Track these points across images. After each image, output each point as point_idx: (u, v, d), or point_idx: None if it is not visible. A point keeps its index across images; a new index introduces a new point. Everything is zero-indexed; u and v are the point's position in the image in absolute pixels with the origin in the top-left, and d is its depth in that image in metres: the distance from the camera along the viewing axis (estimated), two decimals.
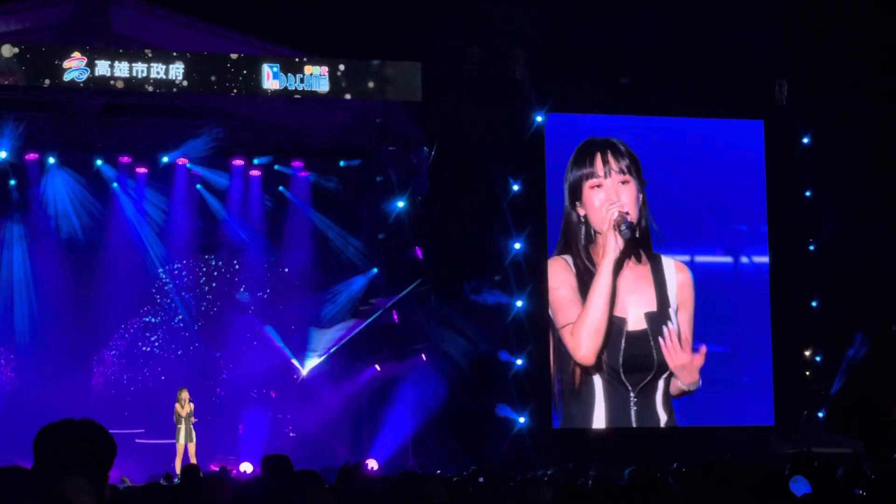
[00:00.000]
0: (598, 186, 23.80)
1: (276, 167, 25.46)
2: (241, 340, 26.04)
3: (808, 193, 25.58)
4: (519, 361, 23.46)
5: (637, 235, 23.93)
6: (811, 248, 25.59)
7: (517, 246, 23.59)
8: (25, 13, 22.75)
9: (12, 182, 24.53)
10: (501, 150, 23.30)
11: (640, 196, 24.13)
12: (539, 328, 23.51)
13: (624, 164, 24.06)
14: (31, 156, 24.09)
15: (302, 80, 21.92)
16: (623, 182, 23.87)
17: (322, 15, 22.91)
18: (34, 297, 24.74)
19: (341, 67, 22.14)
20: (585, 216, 23.68)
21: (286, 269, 26.62)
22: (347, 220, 26.01)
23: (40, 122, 23.78)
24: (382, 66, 22.37)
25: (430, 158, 23.89)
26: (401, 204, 24.51)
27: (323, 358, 25.54)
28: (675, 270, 24.70)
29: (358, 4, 22.81)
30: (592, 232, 23.63)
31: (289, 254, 26.33)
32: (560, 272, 24.08)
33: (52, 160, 24.18)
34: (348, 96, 22.40)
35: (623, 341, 23.96)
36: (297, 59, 22.15)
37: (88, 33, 22.36)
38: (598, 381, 23.53)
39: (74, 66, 20.88)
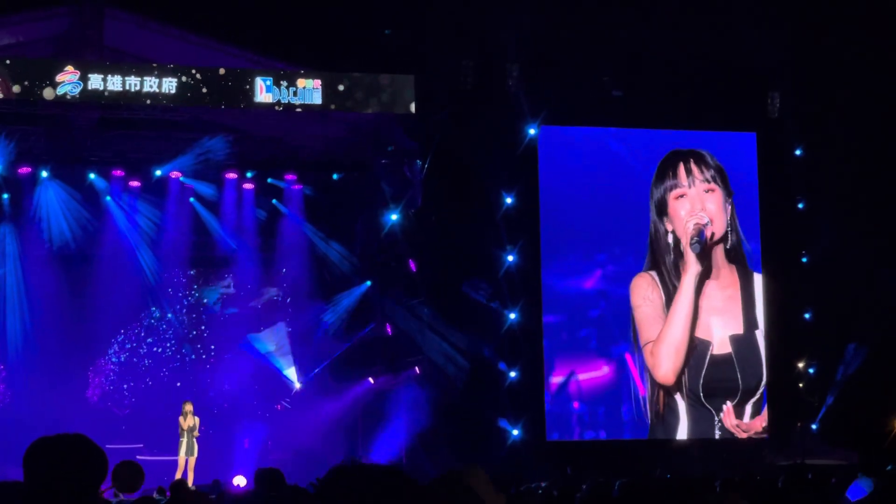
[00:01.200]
0: (683, 196, 23.79)
1: (269, 180, 25.46)
2: (235, 353, 26.02)
3: (800, 205, 25.62)
4: (513, 373, 23.45)
5: (728, 247, 23.91)
6: (804, 259, 25.63)
7: (510, 258, 23.60)
8: (19, 27, 22.77)
9: (5, 196, 24.53)
10: (495, 163, 23.32)
11: (729, 208, 24.09)
12: (532, 340, 23.50)
13: (709, 173, 24.03)
14: (24, 169, 24.07)
15: (295, 94, 21.92)
16: (708, 191, 23.84)
17: (315, 28, 22.92)
18: (27, 311, 24.71)
19: (335, 80, 22.15)
20: (673, 231, 23.68)
21: (279, 282, 26.62)
22: (341, 232, 26.01)
23: (33, 135, 23.78)
24: (376, 78, 22.38)
25: (423, 171, 23.90)
26: (394, 217, 24.51)
27: (316, 371, 25.55)
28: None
29: (351, 18, 22.83)
30: (682, 247, 23.59)
31: (282, 267, 26.33)
32: (644, 288, 23.82)
33: (45, 174, 24.16)
34: (342, 109, 22.41)
35: (706, 365, 23.68)
36: (290, 73, 22.17)
37: (82, 47, 22.37)
38: (681, 403, 23.50)
39: (67, 80, 20.89)
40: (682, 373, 23.59)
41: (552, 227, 23.72)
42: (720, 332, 24.00)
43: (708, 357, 23.74)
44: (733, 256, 24.20)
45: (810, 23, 23.64)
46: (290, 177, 25.44)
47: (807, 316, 25.49)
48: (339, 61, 22.60)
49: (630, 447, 23.26)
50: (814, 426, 25.17)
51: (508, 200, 23.65)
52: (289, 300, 26.49)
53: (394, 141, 24.35)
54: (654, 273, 23.85)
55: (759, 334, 24.30)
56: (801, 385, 25.55)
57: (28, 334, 24.68)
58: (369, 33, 23.08)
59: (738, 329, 24.14)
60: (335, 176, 25.51)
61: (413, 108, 22.46)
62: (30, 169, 24.11)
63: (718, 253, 24.10)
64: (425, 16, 22.77)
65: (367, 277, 25.66)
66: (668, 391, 23.44)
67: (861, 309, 24.72)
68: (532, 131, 23.76)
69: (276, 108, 21.89)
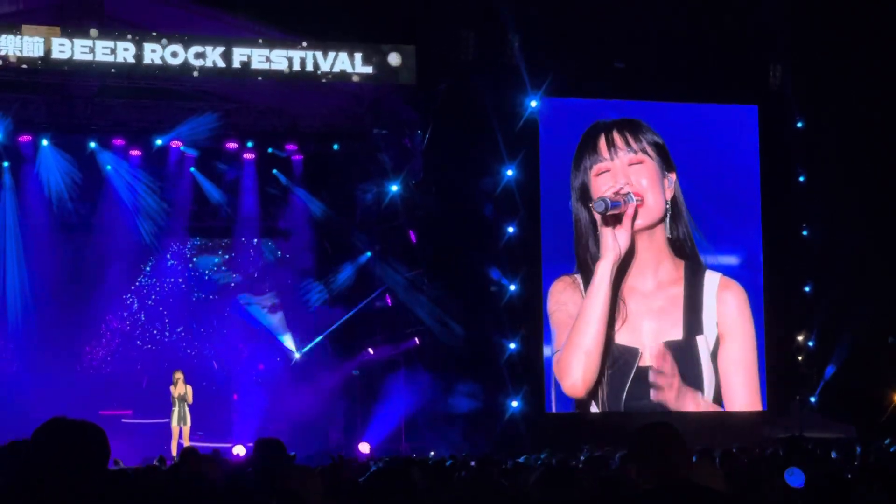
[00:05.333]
0: (605, 172, 21.60)
1: (269, 150, 25.43)
2: (235, 323, 26.04)
3: (801, 178, 25.60)
4: (512, 345, 23.46)
5: (671, 236, 21.49)
6: (804, 232, 25.61)
7: (511, 230, 23.58)
8: None
9: (5, 164, 24.51)
10: (496, 134, 23.28)
11: (671, 186, 21.87)
12: (532, 312, 23.48)
13: (637, 145, 21.81)
14: (25, 138, 24.05)
15: (297, 63, 21.94)
16: (634, 164, 21.58)
17: None
18: (27, 279, 24.72)
19: (335, 50, 22.10)
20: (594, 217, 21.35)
21: (279, 253, 26.63)
22: (341, 203, 25.98)
23: (34, 103, 23.76)
24: (377, 49, 22.33)
25: (424, 142, 23.87)
26: (395, 188, 24.50)
27: (315, 341, 25.57)
28: (719, 288, 21.75)
29: None
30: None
31: (282, 237, 26.34)
32: (559, 293, 21.53)
33: (45, 142, 24.14)
34: (342, 80, 22.38)
35: (630, 378, 21.06)
36: (290, 42, 22.12)
37: (82, 15, 22.31)
38: None
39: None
40: (597, 386, 20.90)
41: (553, 198, 23.60)
42: (653, 338, 21.10)
43: (634, 369, 20.98)
44: (679, 248, 22.00)
45: None
46: (290, 147, 25.40)
47: (807, 289, 25.49)
48: (340, 32, 22.54)
49: (629, 419, 23.26)
50: (812, 399, 25.21)
51: (509, 172, 23.60)
52: (289, 269, 26.47)
53: (395, 111, 24.31)
54: (577, 276, 21.38)
55: (703, 341, 21.57)
56: (799, 358, 25.58)
57: (28, 302, 24.69)
58: (371, 4, 23.01)
59: (677, 335, 21.23)
60: (335, 146, 25.46)
61: (414, 78, 22.44)
62: (30, 137, 24.09)
63: (657, 242, 21.74)
64: None
65: (367, 248, 25.64)
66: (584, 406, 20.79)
67: (861, 282, 24.71)
68: (533, 103, 23.69)
69: (277, 77, 21.89)
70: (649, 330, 21.26)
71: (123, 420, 23.73)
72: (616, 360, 21.16)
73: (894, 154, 24.40)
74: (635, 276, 21.59)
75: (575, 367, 20.97)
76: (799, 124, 25.48)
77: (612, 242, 20.48)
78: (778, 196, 24.92)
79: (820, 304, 25.32)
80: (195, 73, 21.72)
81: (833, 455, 13.45)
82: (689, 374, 21.73)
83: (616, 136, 21.89)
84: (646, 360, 21.17)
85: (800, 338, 25.55)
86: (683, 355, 21.44)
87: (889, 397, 25.06)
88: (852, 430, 23.11)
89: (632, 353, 21.12)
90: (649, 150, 22.17)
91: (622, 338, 21.33)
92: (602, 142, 22.00)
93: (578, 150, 22.06)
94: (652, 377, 21.06)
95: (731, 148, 24.50)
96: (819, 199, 25.13)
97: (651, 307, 21.41)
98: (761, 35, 24.06)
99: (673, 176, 22.39)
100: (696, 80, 24.18)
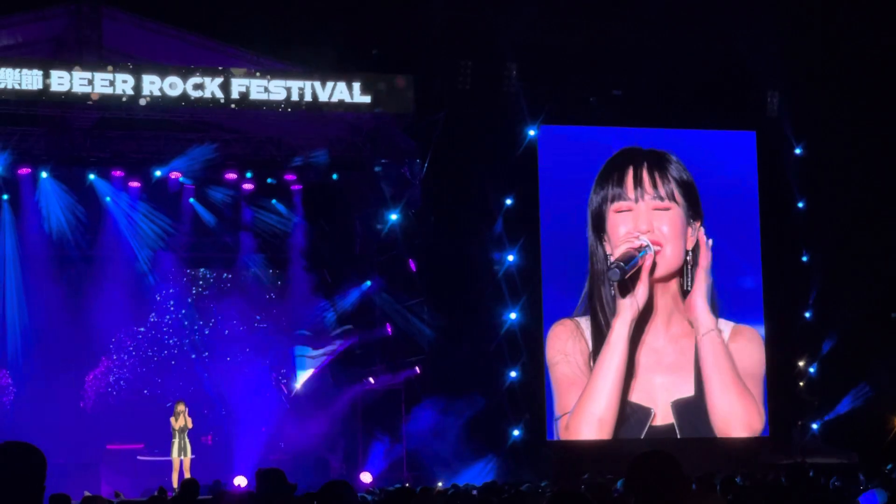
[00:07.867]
0: (627, 212, 20.40)
1: (268, 180, 25.45)
2: (236, 353, 26.01)
3: (800, 204, 25.59)
4: (513, 373, 23.42)
5: (687, 287, 20.50)
6: (804, 258, 25.60)
7: (510, 258, 23.58)
8: (18, 28, 22.76)
9: (5, 196, 24.54)
10: (494, 163, 23.31)
11: (694, 234, 20.83)
12: (532, 340, 23.46)
13: (666, 188, 20.66)
14: (24, 170, 24.07)
15: (295, 93, 21.99)
16: (659, 210, 20.51)
17: (315, 29, 22.92)
18: (27, 312, 24.71)
19: (334, 80, 22.16)
20: (612, 254, 20.12)
21: (279, 282, 26.63)
22: (340, 232, 26.01)
23: (33, 136, 23.80)
24: (376, 79, 22.39)
25: (423, 171, 23.90)
26: (394, 217, 24.51)
27: (315, 371, 25.54)
28: (731, 338, 20.74)
29: (351, 19, 22.84)
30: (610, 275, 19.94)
31: (282, 267, 26.33)
32: (562, 341, 20.09)
33: (44, 174, 24.17)
34: (341, 109, 22.42)
35: (640, 439, 19.89)
36: (289, 73, 22.18)
37: (81, 47, 22.39)
38: None
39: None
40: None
41: (552, 225, 23.56)
42: (664, 396, 19.97)
43: (646, 429, 19.86)
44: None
45: (809, 21, 23.64)
46: (289, 177, 25.43)
47: (807, 315, 25.45)
48: (339, 62, 22.61)
49: (630, 446, 23.20)
50: (815, 426, 25.13)
51: (508, 201, 23.62)
52: (288, 299, 26.46)
53: (393, 141, 24.36)
54: (581, 319, 20.04)
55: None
56: (801, 384, 25.52)
57: (28, 334, 24.67)
58: (368, 34, 23.09)
59: (688, 391, 20.12)
60: (334, 176, 25.49)
61: (413, 108, 22.49)
62: (29, 170, 24.12)
63: (671, 292, 20.83)
64: (425, 17, 22.77)
65: (366, 277, 25.65)
66: None
67: (861, 307, 24.68)
68: (532, 132, 23.71)
69: (276, 108, 21.94)
70: (661, 387, 20.30)
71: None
72: (628, 417, 20.35)
73: (892, 179, 24.43)
74: (647, 329, 20.86)
75: (586, 434, 20.02)
76: (797, 151, 25.51)
77: (630, 299, 19.37)
78: (777, 222, 24.92)
79: (821, 330, 25.28)
80: (194, 104, 21.80)
81: (833, 483, 13.41)
82: (702, 429, 21.11)
83: (645, 175, 20.85)
84: (658, 419, 20.37)
85: (801, 364, 25.50)
86: (696, 413, 20.56)
87: (891, 423, 25.01)
88: (855, 456, 23.04)
89: (644, 413, 20.23)
90: (677, 194, 21.17)
91: (636, 395, 20.36)
92: (629, 177, 21.06)
93: (602, 176, 21.11)
94: (663, 436, 20.36)
95: (730, 173, 24.43)
96: (818, 225, 25.12)
97: (662, 362, 20.51)
98: (759, 61, 24.10)
99: (698, 224, 21.55)
100: (694, 106, 24.22)
